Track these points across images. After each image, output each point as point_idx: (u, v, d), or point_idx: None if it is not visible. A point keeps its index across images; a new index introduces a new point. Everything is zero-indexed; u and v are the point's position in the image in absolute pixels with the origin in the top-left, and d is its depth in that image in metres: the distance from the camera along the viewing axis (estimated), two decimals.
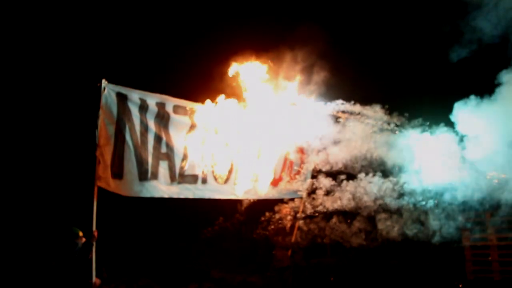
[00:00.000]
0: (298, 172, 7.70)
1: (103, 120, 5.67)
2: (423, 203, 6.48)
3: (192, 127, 6.38)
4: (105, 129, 5.69)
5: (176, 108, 6.35)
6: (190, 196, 6.60)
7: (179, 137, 6.36)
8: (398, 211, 6.62)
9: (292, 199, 7.58)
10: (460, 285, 7.78)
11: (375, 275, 8.60)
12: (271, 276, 7.73)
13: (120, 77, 6.04)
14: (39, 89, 10.01)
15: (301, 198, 7.50)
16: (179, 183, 6.43)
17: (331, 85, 6.41)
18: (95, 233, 5.59)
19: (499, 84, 5.64)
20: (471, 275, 8.05)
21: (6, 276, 7.49)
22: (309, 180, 7.31)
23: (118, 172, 5.79)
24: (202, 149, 6.34)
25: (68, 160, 9.64)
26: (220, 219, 9.28)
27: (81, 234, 5.64)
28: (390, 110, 6.43)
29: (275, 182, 7.31)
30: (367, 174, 6.42)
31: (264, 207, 7.51)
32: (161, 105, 6.22)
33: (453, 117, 6.02)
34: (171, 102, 6.32)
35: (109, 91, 5.72)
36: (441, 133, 6.19)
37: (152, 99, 6.15)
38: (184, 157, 6.39)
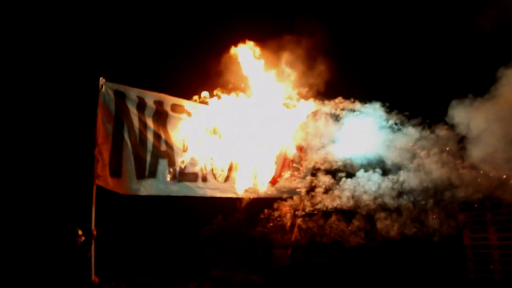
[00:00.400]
0: (298, 170, 7.67)
1: (101, 118, 5.66)
2: (424, 202, 6.47)
3: (191, 125, 6.36)
4: (103, 127, 5.69)
5: (174, 107, 6.34)
6: (192, 194, 6.59)
7: (178, 135, 6.35)
8: (398, 210, 6.60)
9: (292, 197, 7.56)
10: (456, 282, 7.74)
11: (375, 274, 8.58)
12: (271, 275, 7.72)
13: (118, 75, 6.03)
14: (36, 88, 10.00)
15: (301, 196, 7.48)
16: (179, 181, 6.42)
17: (331, 82, 6.39)
18: (94, 232, 5.59)
19: (497, 81, 5.61)
20: (471, 275, 8.01)
21: (5, 275, 7.50)
22: (309, 178, 7.29)
23: (116, 170, 5.79)
24: (201, 147, 6.33)
25: (66, 159, 9.64)
26: (220, 218, 9.28)
27: (80, 232, 5.63)
28: (390, 107, 6.41)
29: (275, 180, 7.29)
30: (366, 171, 6.39)
31: (264, 205, 7.50)
32: (159, 104, 6.22)
33: (454, 115, 5.99)
34: (169, 100, 6.31)
35: (107, 89, 5.71)
36: (442, 131, 6.16)
37: (150, 98, 6.14)
38: (184, 155, 6.37)
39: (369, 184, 6.35)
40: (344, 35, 9.32)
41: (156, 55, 10.57)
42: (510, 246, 7.71)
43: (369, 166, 6.48)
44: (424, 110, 6.52)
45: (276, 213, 7.43)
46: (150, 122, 6.12)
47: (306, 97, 6.29)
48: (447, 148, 6.14)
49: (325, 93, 6.32)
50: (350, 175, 6.56)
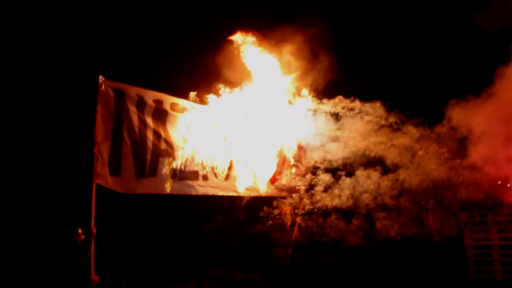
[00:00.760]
0: (298, 168, 7.65)
1: (100, 116, 5.67)
2: (424, 202, 6.44)
3: (190, 123, 6.35)
4: (102, 125, 5.69)
5: (174, 105, 6.33)
6: (193, 192, 6.58)
7: (177, 133, 6.33)
8: (399, 210, 6.58)
9: (292, 196, 7.53)
10: (456, 282, 7.72)
11: (376, 273, 8.56)
12: (271, 274, 7.71)
13: (117, 73, 6.03)
14: (36, 86, 10.02)
15: (301, 195, 7.45)
16: (180, 179, 6.41)
17: (331, 81, 6.37)
18: (94, 231, 5.58)
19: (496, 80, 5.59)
20: (472, 275, 7.99)
21: (5, 274, 7.51)
22: (309, 177, 7.26)
23: (115, 169, 5.80)
24: (201, 146, 6.32)
25: (66, 157, 9.65)
26: (220, 217, 9.27)
27: (80, 231, 5.63)
28: (390, 106, 6.38)
29: (275, 179, 7.27)
30: (367, 170, 6.37)
31: (263, 204, 7.48)
32: (158, 102, 6.21)
33: (454, 114, 5.97)
34: (168, 99, 6.30)
35: (106, 87, 5.71)
36: (442, 130, 6.14)
37: (150, 96, 6.14)
38: (184, 154, 6.36)
39: (369, 183, 6.32)
40: (346, 34, 9.30)
41: (155, 53, 10.58)
42: (511, 246, 7.69)
43: (369, 164, 6.45)
44: (425, 109, 6.50)
45: (276, 212, 7.40)
46: (149, 121, 6.12)
47: (306, 95, 6.26)
48: (448, 148, 6.11)
49: (326, 91, 6.30)
50: (351, 173, 6.54)
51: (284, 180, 7.34)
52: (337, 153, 6.38)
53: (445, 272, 8.26)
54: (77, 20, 10.31)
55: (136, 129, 5.99)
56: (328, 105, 6.26)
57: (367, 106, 6.22)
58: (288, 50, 6.15)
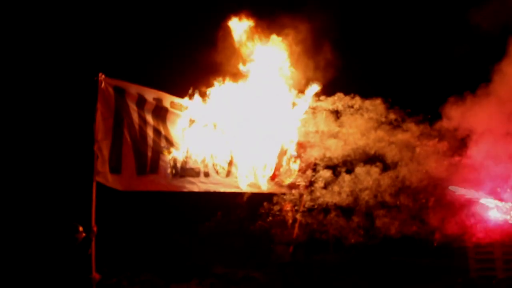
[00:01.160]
0: (300, 165, 7.63)
1: (100, 114, 5.69)
2: (425, 199, 6.43)
3: (190, 121, 6.36)
4: (103, 123, 5.72)
5: (174, 104, 6.35)
6: (195, 189, 6.59)
7: (177, 131, 6.35)
8: (400, 207, 6.57)
9: (293, 192, 7.52)
10: (459, 280, 7.69)
11: (377, 271, 8.55)
12: (272, 272, 7.71)
13: (118, 71, 6.04)
14: (36, 84, 10.04)
15: (302, 192, 7.44)
16: (182, 176, 6.43)
17: (332, 77, 6.36)
18: (95, 228, 5.60)
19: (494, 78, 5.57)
20: (474, 273, 7.97)
21: (5, 273, 7.53)
22: (310, 173, 7.25)
23: (116, 166, 5.82)
24: (201, 143, 6.32)
25: (66, 155, 9.67)
26: (220, 215, 9.27)
27: (81, 229, 5.65)
28: (391, 104, 6.36)
29: (276, 176, 7.27)
30: (367, 167, 6.36)
31: (264, 201, 7.47)
32: (158, 100, 6.23)
33: (453, 111, 5.96)
34: (168, 98, 6.32)
35: (106, 85, 5.73)
36: (442, 128, 6.13)
37: (150, 94, 6.15)
38: (185, 151, 6.36)
39: (370, 180, 6.31)
40: (347, 31, 9.28)
41: (155, 50, 10.57)
42: None
43: (370, 161, 6.44)
44: (425, 106, 6.49)
45: (276, 208, 7.39)
46: (150, 118, 6.13)
47: (307, 92, 6.25)
48: (449, 145, 6.10)
49: (326, 88, 6.28)
50: (351, 170, 6.53)
51: (284, 177, 7.33)
52: (337, 149, 6.37)
53: (446, 270, 8.24)
54: (77, 18, 10.33)
55: (137, 127, 6.00)
56: (328, 102, 6.26)
57: (368, 103, 6.21)
58: (289, 47, 6.14)
